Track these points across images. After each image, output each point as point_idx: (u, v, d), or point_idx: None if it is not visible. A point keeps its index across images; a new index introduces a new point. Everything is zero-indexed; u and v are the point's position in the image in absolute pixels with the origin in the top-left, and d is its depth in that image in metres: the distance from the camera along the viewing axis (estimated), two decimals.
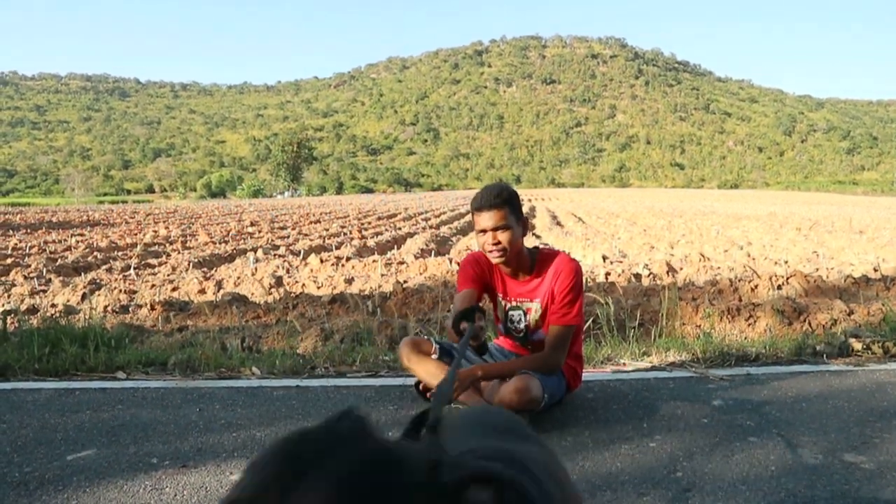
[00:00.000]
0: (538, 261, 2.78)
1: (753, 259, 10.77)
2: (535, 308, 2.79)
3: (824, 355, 3.84)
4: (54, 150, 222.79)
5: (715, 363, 3.67)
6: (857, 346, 3.92)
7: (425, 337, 2.97)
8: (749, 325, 5.14)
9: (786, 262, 10.19)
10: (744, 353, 3.84)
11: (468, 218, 26.28)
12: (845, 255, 11.61)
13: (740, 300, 6.37)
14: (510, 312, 2.86)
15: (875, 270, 8.38)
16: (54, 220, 28.34)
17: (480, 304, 2.47)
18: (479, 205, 2.65)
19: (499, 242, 2.61)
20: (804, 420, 2.71)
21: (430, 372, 2.75)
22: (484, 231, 2.64)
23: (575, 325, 2.75)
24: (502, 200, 2.62)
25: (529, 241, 13.92)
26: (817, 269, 8.89)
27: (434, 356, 2.80)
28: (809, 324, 5.07)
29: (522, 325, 2.84)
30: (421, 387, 2.93)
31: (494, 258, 2.67)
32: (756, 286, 7.03)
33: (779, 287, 6.99)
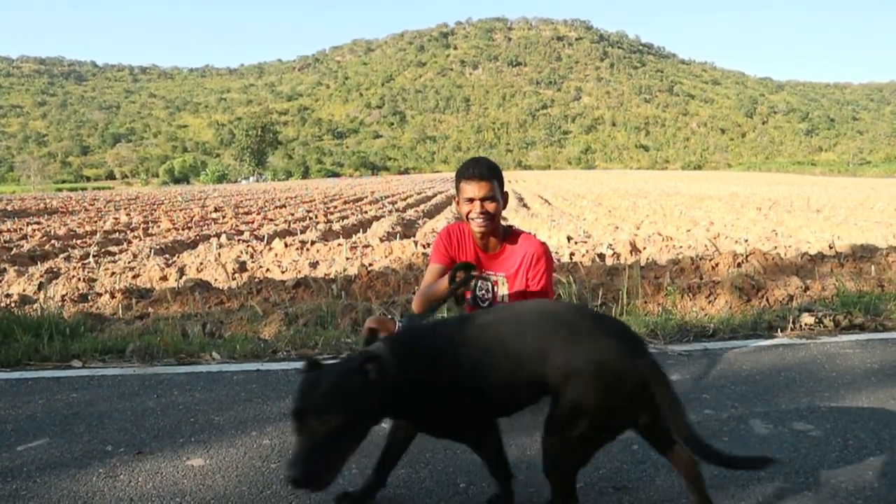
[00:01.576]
0: (509, 237, 2.89)
1: (715, 238, 10.97)
2: (500, 281, 2.89)
3: (779, 330, 3.95)
4: (7, 136, 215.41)
5: (674, 339, 3.74)
6: (810, 320, 4.03)
7: (389, 317, 2.99)
8: (709, 302, 5.24)
9: (746, 241, 10.41)
10: (702, 329, 3.92)
11: (435, 201, 26.23)
12: (803, 234, 11.90)
13: (701, 278, 6.49)
14: (479, 282, 2.95)
15: (830, 248, 8.60)
16: (9, 208, 27.48)
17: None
18: (470, 174, 2.74)
19: (486, 211, 2.73)
20: (758, 392, 2.78)
21: None
22: (471, 200, 2.74)
23: None
24: (492, 173, 2.77)
25: None
26: (776, 248, 9.10)
27: None
28: (767, 300, 5.19)
29: (489, 296, 2.93)
30: None
31: (478, 226, 2.77)
32: (717, 264, 7.17)
33: (738, 265, 7.13)
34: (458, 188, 2.82)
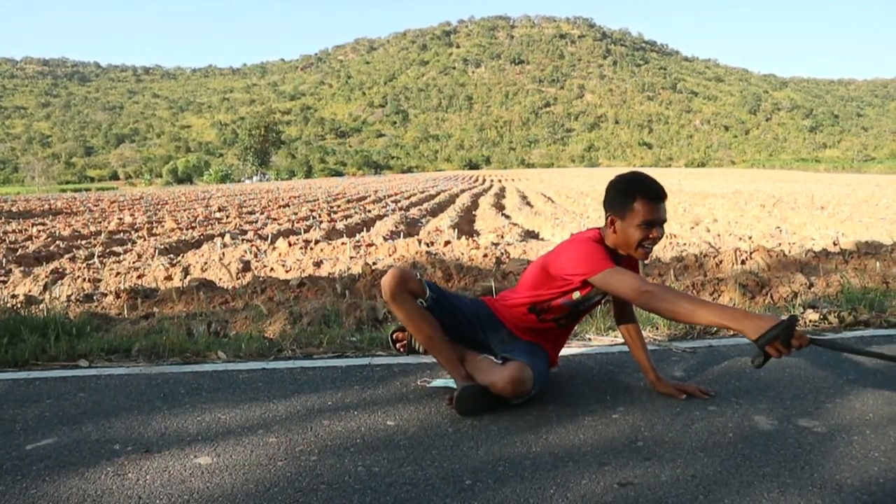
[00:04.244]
0: None
1: (719, 235, 10.96)
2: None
3: None
4: (12, 137, 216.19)
5: (678, 336, 3.74)
6: (815, 316, 4.03)
7: (416, 275, 2.60)
8: (713, 299, 5.24)
9: (750, 238, 10.40)
10: (706, 326, 3.91)
11: (437, 199, 26.25)
12: (807, 231, 11.88)
13: (705, 275, 6.48)
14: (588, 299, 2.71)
15: (834, 244, 8.59)
16: (14, 209, 27.59)
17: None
18: (656, 193, 2.44)
19: (661, 236, 2.50)
20: (762, 388, 2.78)
21: (410, 316, 2.51)
22: (651, 224, 2.42)
23: None
24: None
25: (501, 220, 14.01)
26: (780, 244, 9.09)
27: (424, 304, 2.53)
28: (771, 297, 5.19)
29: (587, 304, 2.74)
30: (394, 336, 2.87)
31: (643, 254, 2.48)
32: (721, 261, 7.17)
33: (742, 262, 7.13)
34: (629, 207, 2.42)
